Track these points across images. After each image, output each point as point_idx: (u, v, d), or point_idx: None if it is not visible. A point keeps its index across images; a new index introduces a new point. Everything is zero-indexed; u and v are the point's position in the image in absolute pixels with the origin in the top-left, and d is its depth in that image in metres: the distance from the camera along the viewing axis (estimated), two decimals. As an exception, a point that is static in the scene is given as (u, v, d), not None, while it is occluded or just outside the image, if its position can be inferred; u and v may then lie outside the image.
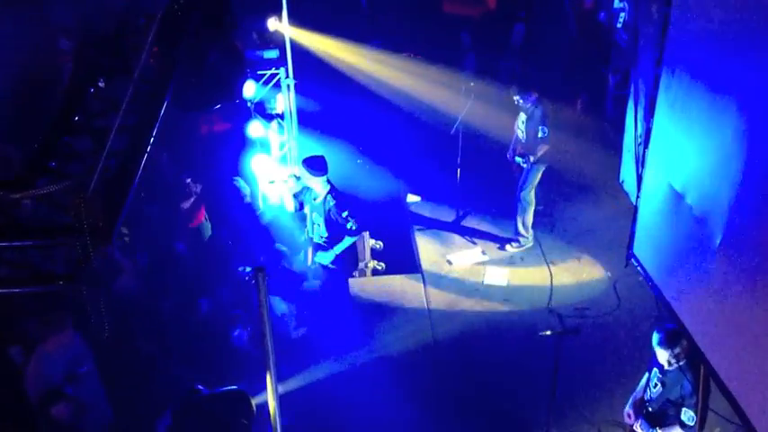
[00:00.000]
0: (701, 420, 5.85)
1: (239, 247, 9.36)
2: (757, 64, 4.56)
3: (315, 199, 8.37)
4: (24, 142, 3.95)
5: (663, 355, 5.77)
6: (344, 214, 8.19)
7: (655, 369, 5.98)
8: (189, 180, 9.81)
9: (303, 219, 9.19)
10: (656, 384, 5.98)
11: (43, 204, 4.11)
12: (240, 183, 9.93)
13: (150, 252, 8.81)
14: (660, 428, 5.91)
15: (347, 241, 8.37)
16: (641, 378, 6.37)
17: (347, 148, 11.72)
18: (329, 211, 8.26)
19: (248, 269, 8.63)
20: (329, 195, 8.26)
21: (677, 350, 5.69)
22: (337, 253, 8.44)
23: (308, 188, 8.40)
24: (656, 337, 5.81)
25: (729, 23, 4.92)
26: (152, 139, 4.39)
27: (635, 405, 6.21)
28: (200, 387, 6.54)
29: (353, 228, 8.23)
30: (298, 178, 8.41)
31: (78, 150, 4.21)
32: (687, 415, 5.71)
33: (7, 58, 5.13)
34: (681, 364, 5.75)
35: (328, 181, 8.31)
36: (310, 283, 9.09)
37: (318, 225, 8.46)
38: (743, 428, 5.23)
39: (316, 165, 8.22)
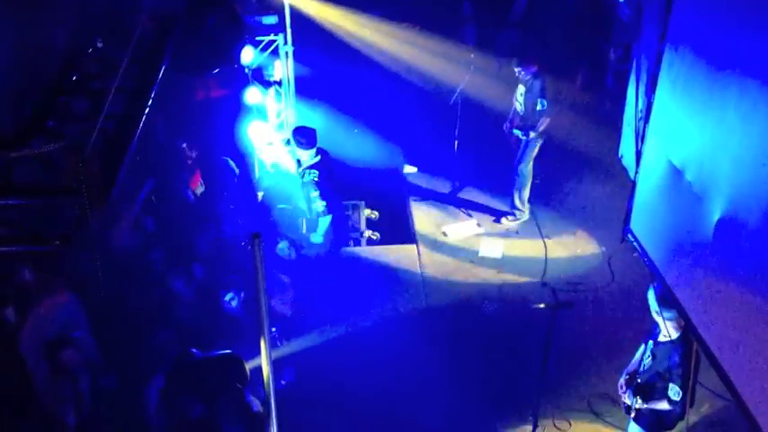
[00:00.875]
0: (691, 395, 5.91)
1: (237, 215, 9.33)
2: (762, 39, 4.53)
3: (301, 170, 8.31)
4: (20, 101, 3.88)
5: (653, 306, 5.81)
6: (313, 194, 8.14)
7: (650, 341, 6.03)
8: (184, 145, 9.74)
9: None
10: (648, 356, 6.03)
11: (40, 164, 4.07)
12: (231, 163, 9.85)
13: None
14: (646, 401, 5.95)
15: (322, 223, 8.35)
16: (633, 352, 6.41)
17: (345, 117, 11.65)
18: (305, 185, 8.21)
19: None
20: (311, 170, 8.19)
21: (668, 313, 5.71)
22: (321, 235, 8.44)
23: (298, 160, 8.34)
24: (651, 290, 5.86)
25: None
26: (150, 102, 4.35)
27: (628, 377, 6.26)
28: (193, 350, 6.56)
29: (320, 210, 8.20)
30: (288, 143, 8.34)
31: (76, 111, 4.16)
32: (673, 390, 5.76)
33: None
34: (674, 338, 5.79)
35: (320, 153, 8.24)
36: (306, 251, 9.07)
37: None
38: (733, 404, 5.26)
39: (304, 136, 8.16)
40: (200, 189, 9.67)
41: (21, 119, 3.74)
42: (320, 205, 8.21)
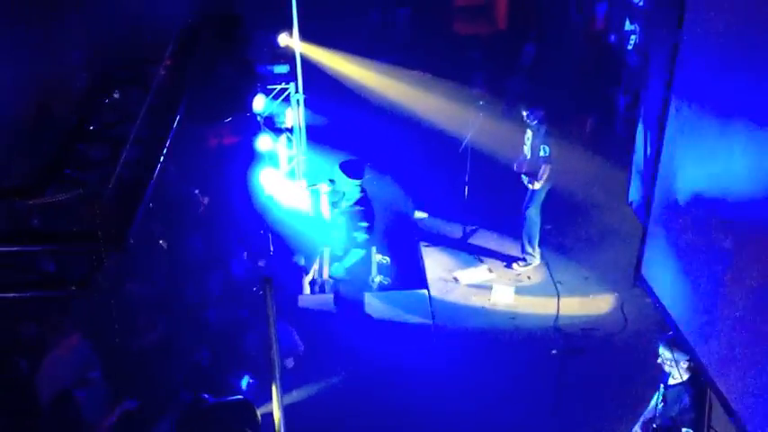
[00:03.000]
0: None
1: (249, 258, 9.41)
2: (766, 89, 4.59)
3: (344, 203, 8.31)
4: (38, 151, 3.97)
5: (666, 355, 5.80)
6: (362, 225, 8.14)
7: (661, 385, 6.00)
8: (197, 191, 9.86)
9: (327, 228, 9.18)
10: (660, 401, 5.99)
11: (57, 211, 4.14)
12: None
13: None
14: None
15: (355, 254, 8.35)
16: (646, 399, 6.36)
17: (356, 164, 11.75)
18: (349, 216, 8.21)
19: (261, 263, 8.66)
20: (355, 205, 8.21)
21: (679, 356, 5.70)
22: (347, 267, 8.41)
23: (343, 193, 8.33)
24: (662, 349, 5.85)
25: (741, 48, 4.95)
26: (165, 150, 4.44)
27: (644, 424, 6.21)
28: (204, 396, 6.55)
29: (360, 241, 8.20)
30: (332, 182, 8.36)
31: (92, 159, 4.25)
32: None
33: (22, 69, 5.19)
34: (684, 379, 5.76)
35: (362, 189, 8.25)
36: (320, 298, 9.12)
37: (342, 232, 8.39)
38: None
39: (354, 167, 8.17)
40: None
41: (39, 167, 3.82)
42: (362, 236, 8.20)
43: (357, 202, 8.22)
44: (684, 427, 5.70)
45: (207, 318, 8.09)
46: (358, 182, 8.14)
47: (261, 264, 8.93)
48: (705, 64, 5.50)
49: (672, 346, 5.78)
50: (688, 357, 5.68)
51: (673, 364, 5.75)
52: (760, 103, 4.67)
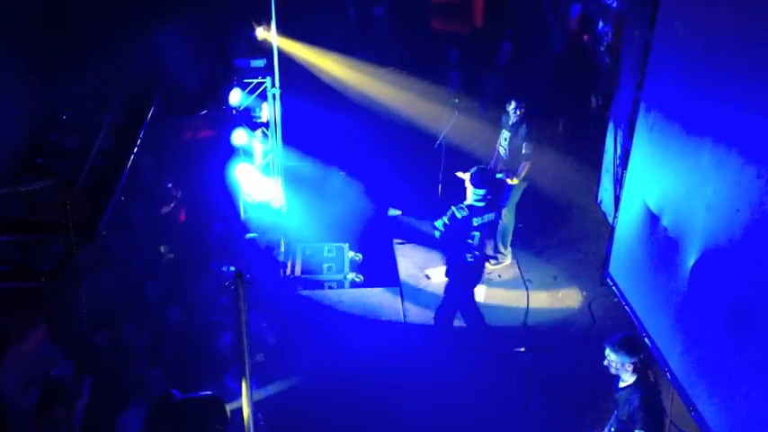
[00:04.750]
0: None
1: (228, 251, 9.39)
2: (735, 92, 4.68)
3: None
4: (12, 141, 3.95)
5: (611, 357, 5.80)
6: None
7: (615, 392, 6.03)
8: (170, 185, 9.82)
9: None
10: (615, 404, 6.03)
11: (29, 201, 4.12)
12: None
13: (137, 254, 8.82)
14: None
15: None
16: (614, 397, 6.43)
17: (330, 160, 11.77)
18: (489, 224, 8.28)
19: (232, 269, 8.65)
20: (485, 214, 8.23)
21: (624, 356, 5.71)
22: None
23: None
24: (608, 352, 5.84)
25: (711, 49, 5.03)
26: (138, 140, 4.43)
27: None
28: (174, 392, 6.52)
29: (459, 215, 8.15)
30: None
31: (66, 148, 4.23)
32: None
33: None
34: (631, 382, 5.77)
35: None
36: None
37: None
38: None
39: (482, 176, 8.12)
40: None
41: (13, 156, 3.80)
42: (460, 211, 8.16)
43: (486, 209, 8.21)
44: (637, 428, 5.70)
45: (169, 318, 8.07)
46: (481, 191, 8.12)
47: (229, 268, 8.88)
48: (675, 66, 5.59)
49: (618, 348, 5.76)
50: (633, 360, 5.65)
51: (619, 366, 5.76)
52: (728, 103, 4.75)
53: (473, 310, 8.78)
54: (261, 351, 8.10)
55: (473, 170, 8.19)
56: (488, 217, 8.22)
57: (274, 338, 8.46)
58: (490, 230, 8.24)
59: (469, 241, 8.19)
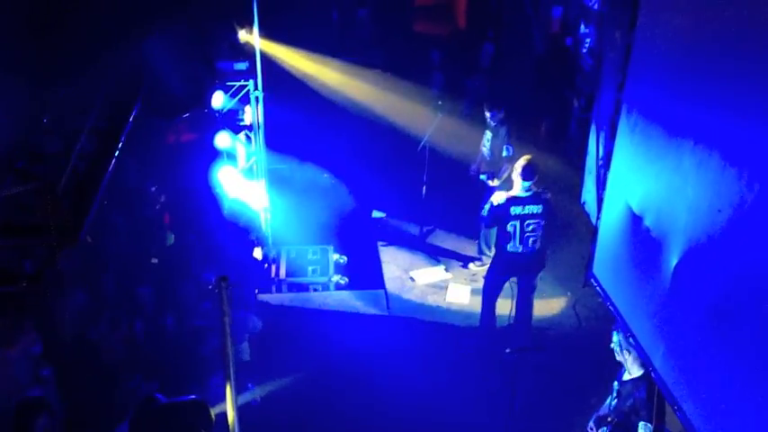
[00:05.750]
0: None
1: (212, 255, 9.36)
2: (716, 95, 4.71)
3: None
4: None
5: (621, 357, 5.92)
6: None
7: (615, 382, 6.11)
8: (153, 189, 9.77)
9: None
10: (614, 397, 6.10)
11: (9, 205, 4.08)
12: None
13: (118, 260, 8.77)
14: None
15: None
16: (601, 396, 6.46)
17: (314, 162, 11.77)
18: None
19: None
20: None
21: (636, 353, 5.81)
22: None
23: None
24: (616, 338, 5.96)
25: (690, 51, 5.07)
26: (120, 144, 4.41)
27: (597, 420, 6.30)
28: (158, 396, 6.49)
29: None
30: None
31: (47, 151, 4.20)
32: (646, 428, 5.80)
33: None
34: (637, 375, 5.86)
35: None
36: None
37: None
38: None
39: (529, 169, 8.17)
40: (168, 233, 9.67)
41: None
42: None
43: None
44: (642, 421, 5.79)
45: (164, 324, 8.05)
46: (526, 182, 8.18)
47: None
48: (656, 67, 5.63)
49: (626, 340, 5.89)
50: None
51: (624, 355, 5.87)
52: (709, 103, 4.79)
53: (493, 300, 8.88)
54: (247, 349, 8.08)
55: (523, 163, 8.21)
56: (530, 209, 8.22)
57: (259, 335, 8.43)
58: (536, 225, 8.29)
59: (509, 230, 8.25)
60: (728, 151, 4.54)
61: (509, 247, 8.33)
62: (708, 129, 4.78)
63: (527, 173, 8.14)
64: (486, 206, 8.41)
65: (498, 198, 8.22)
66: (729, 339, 4.54)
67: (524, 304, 8.75)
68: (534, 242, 8.34)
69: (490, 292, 8.83)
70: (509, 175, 9.60)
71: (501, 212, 8.22)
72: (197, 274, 8.94)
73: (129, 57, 5.41)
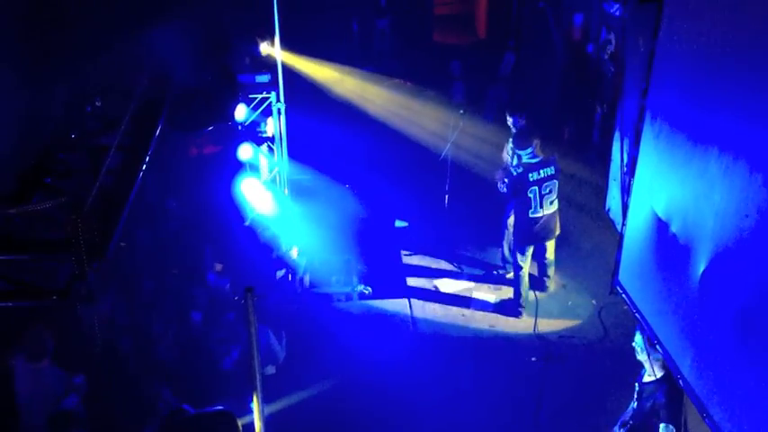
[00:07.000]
0: None
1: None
2: (743, 92, 4.68)
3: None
4: (22, 159, 3.97)
5: (639, 342, 5.90)
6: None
7: (636, 384, 6.08)
8: (174, 204, 9.85)
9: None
10: (635, 399, 6.07)
11: (38, 220, 4.14)
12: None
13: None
14: None
15: None
16: (626, 405, 6.43)
17: (336, 172, 11.80)
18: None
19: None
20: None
21: (653, 351, 5.79)
22: None
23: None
24: (638, 338, 5.93)
25: (715, 57, 5.04)
26: (147, 158, 4.46)
27: (621, 424, 6.27)
28: (185, 407, 6.52)
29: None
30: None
31: (75, 167, 4.25)
32: (668, 430, 5.75)
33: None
34: (659, 377, 5.82)
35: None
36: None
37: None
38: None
39: (522, 139, 8.78)
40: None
41: (22, 176, 3.82)
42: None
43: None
44: (662, 422, 5.75)
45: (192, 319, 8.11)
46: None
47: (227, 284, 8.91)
48: (680, 74, 5.60)
49: (648, 342, 5.86)
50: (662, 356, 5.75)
51: (646, 356, 5.85)
52: (735, 108, 4.76)
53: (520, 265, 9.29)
54: (270, 364, 8.10)
55: (510, 139, 8.84)
56: (545, 172, 8.69)
57: (284, 351, 8.46)
58: (552, 186, 8.80)
59: (530, 195, 8.71)
60: (755, 157, 4.51)
61: (530, 213, 8.80)
62: (733, 135, 4.75)
63: (519, 142, 8.74)
64: (505, 179, 8.93)
65: (516, 169, 8.80)
66: (760, 346, 4.50)
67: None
68: (552, 203, 8.84)
69: (521, 259, 9.24)
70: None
71: (520, 181, 8.70)
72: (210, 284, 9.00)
73: (152, 72, 5.46)
